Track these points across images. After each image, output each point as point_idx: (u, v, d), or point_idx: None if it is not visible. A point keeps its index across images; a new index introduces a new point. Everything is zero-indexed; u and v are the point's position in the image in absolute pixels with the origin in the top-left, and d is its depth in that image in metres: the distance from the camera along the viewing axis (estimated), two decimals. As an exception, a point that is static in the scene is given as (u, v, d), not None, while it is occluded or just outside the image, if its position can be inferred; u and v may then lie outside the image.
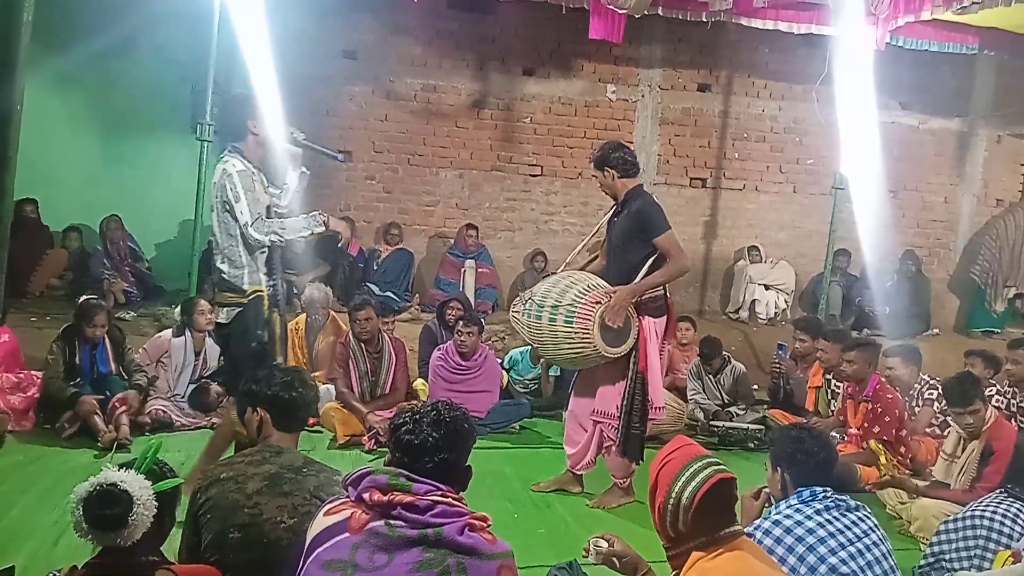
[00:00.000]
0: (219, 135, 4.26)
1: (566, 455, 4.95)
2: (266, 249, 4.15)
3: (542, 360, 6.93)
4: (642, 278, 4.48)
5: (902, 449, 5.37)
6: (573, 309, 4.36)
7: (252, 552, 2.53)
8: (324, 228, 4.27)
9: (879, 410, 5.33)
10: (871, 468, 5.26)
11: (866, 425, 5.37)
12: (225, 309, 4.14)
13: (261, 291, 4.13)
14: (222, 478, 2.62)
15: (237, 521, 2.54)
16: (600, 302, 4.38)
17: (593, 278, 4.59)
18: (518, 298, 4.75)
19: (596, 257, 4.98)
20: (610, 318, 4.36)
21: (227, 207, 4.07)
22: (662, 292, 4.64)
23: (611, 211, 4.85)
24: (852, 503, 2.91)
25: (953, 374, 5.13)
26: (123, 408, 5.44)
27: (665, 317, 4.65)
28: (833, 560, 2.70)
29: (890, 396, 5.39)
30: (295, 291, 7.71)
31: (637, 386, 4.50)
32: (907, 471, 5.32)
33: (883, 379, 5.59)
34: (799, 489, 2.91)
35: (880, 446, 5.22)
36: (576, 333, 4.36)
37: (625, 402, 4.51)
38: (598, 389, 4.66)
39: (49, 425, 5.54)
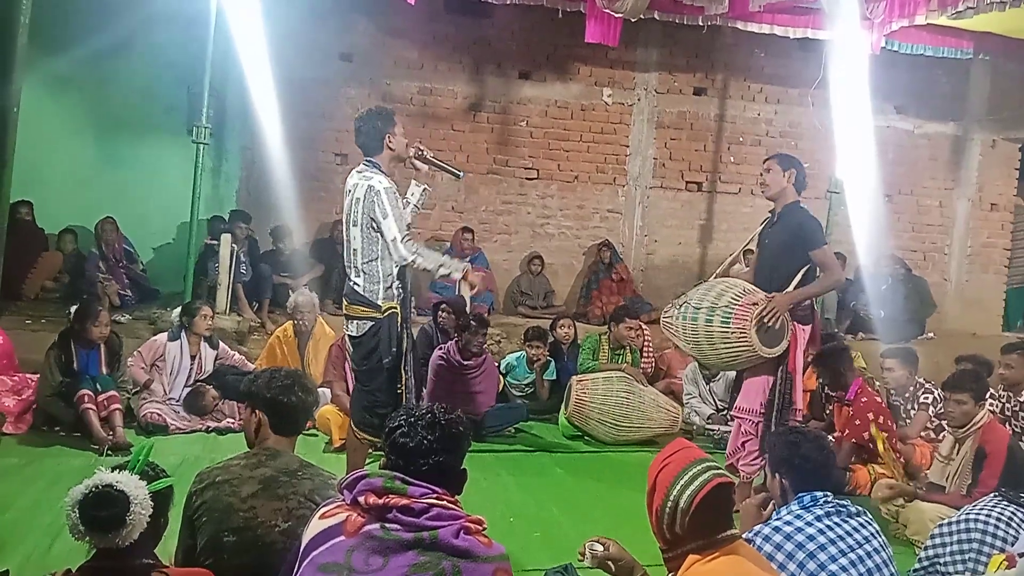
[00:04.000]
0: (360, 149, 4.30)
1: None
2: (398, 265, 4.19)
3: (536, 365, 6.95)
4: (795, 287, 4.58)
5: (889, 451, 5.38)
6: (730, 311, 4.46)
7: (247, 555, 2.52)
8: (459, 275, 4.25)
9: (852, 414, 5.37)
10: (863, 473, 5.28)
11: (847, 430, 5.41)
12: (355, 322, 4.17)
13: (396, 308, 4.18)
14: (217, 481, 2.62)
15: (232, 525, 2.53)
16: (757, 304, 4.46)
17: (747, 284, 4.70)
18: (669, 304, 4.84)
19: (736, 266, 5.15)
20: (769, 319, 4.45)
21: (374, 223, 4.10)
22: (810, 301, 4.78)
23: (764, 223, 4.96)
24: (853, 509, 2.90)
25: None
26: (115, 407, 5.43)
27: (811, 326, 4.75)
28: (833, 567, 2.69)
29: (864, 400, 5.41)
30: (290, 293, 7.71)
31: (786, 385, 4.60)
32: (897, 475, 5.33)
33: (865, 383, 5.60)
34: (800, 495, 2.90)
35: (880, 434, 5.26)
36: (733, 334, 4.45)
37: (776, 400, 4.61)
38: (742, 386, 4.79)
39: (46, 428, 5.52)
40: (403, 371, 4.24)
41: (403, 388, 4.26)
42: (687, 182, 10.04)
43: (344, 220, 4.23)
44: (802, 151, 9.98)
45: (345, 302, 4.25)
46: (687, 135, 9.97)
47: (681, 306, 4.68)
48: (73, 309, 6.01)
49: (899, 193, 10.39)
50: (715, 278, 4.90)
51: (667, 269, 9.93)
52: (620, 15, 7.62)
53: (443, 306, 7.19)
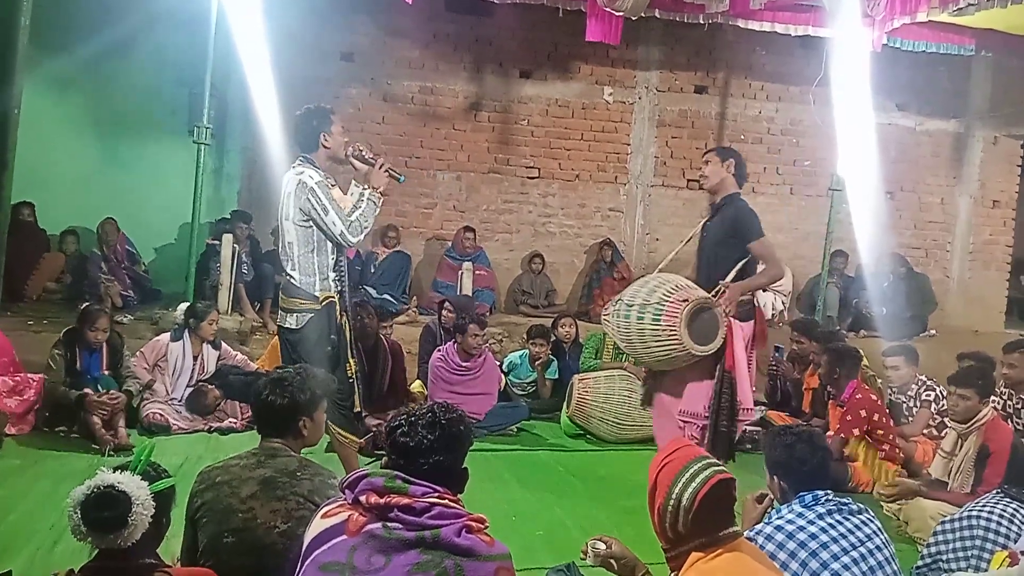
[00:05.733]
0: (297, 147, 4.33)
1: None
2: (334, 255, 4.22)
3: (539, 363, 6.95)
4: (732, 280, 4.54)
5: (884, 447, 5.39)
6: (661, 307, 4.39)
7: (247, 556, 2.53)
8: (379, 196, 4.29)
9: (847, 415, 5.37)
10: (864, 470, 5.29)
11: (839, 427, 5.41)
12: (294, 315, 4.18)
13: (333, 297, 4.21)
14: (217, 482, 2.62)
15: (231, 526, 2.54)
16: (688, 300, 4.39)
17: (681, 279, 4.64)
18: (610, 302, 4.79)
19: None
20: (728, 309, 4.41)
21: (307, 217, 4.13)
22: (750, 297, 4.70)
23: (706, 217, 4.92)
24: (855, 506, 2.90)
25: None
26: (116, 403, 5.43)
27: (753, 321, 4.69)
28: (836, 566, 2.69)
29: (859, 397, 5.41)
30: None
31: (725, 386, 4.52)
32: (900, 471, 5.34)
33: (862, 384, 5.60)
34: (801, 494, 2.90)
35: (860, 444, 5.28)
36: (664, 331, 4.37)
37: (713, 402, 4.53)
38: (684, 389, 4.69)
39: (48, 428, 5.53)
40: (350, 359, 4.27)
41: (353, 376, 4.29)
42: (688, 180, 10.03)
43: (279, 213, 4.26)
44: (804, 149, 10.04)
45: (282, 296, 4.27)
46: (688, 133, 9.96)
47: (616, 304, 4.62)
48: (83, 308, 6.04)
49: (901, 190, 10.38)
50: (657, 272, 4.86)
51: (669, 268, 9.90)
52: (621, 13, 7.62)
53: (446, 304, 7.19)
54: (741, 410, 4.55)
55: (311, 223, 4.14)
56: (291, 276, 4.19)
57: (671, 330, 4.34)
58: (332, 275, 4.22)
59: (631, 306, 4.48)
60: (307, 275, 4.16)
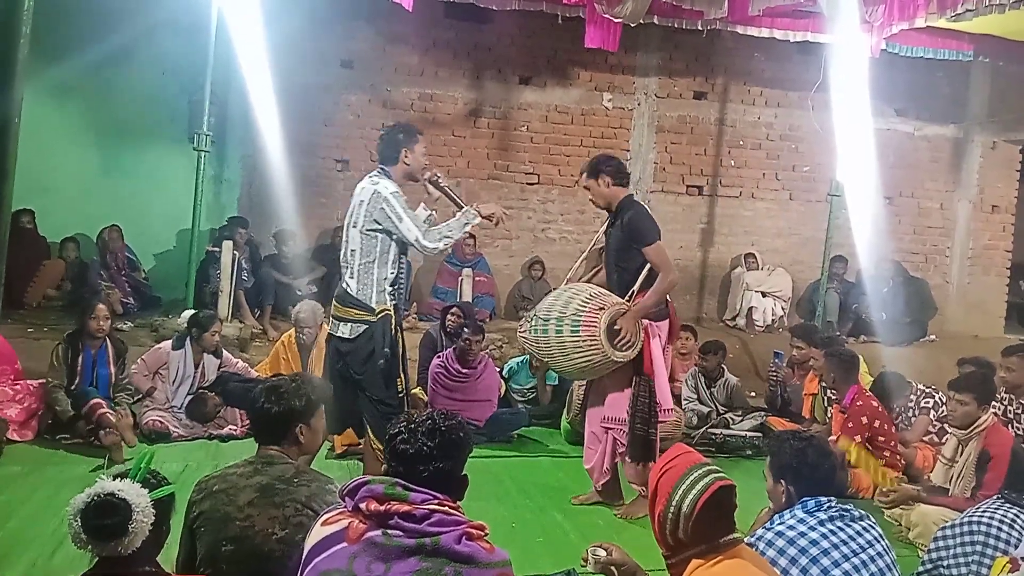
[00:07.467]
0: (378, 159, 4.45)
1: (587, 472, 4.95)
2: (394, 270, 4.24)
3: (538, 369, 6.93)
4: (639, 288, 4.57)
5: (886, 453, 5.38)
6: (578, 319, 4.42)
7: (246, 564, 2.52)
8: (479, 218, 4.42)
9: (848, 421, 5.37)
10: (865, 476, 5.28)
11: (840, 432, 5.42)
12: (348, 324, 4.19)
13: (389, 310, 4.20)
14: (215, 490, 2.62)
15: (229, 534, 2.53)
16: (604, 308, 4.43)
17: (594, 288, 4.68)
18: (524, 319, 4.81)
19: (598, 269, 5.09)
20: (624, 342, 4.43)
21: (377, 227, 4.16)
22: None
23: (606, 222, 4.93)
24: (857, 512, 2.89)
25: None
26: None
27: (667, 320, 4.72)
28: (836, 572, 2.69)
29: (860, 403, 5.41)
30: (297, 293, 7.77)
31: (642, 388, 4.56)
32: (901, 477, 5.34)
33: (862, 389, 5.60)
34: (803, 499, 2.90)
35: (852, 445, 5.28)
36: (584, 341, 4.42)
37: (630, 405, 4.55)
38: (607, 397, 4.73)
39: (49, 435, 5.52)
40: (401, 374, 4.26)
41: (404, 391, 4.28)
42: (688, 186, 10.05)
43: (345, 221, 4.28)
44: (802, 154, 10.06)
45: (336, 304, 4.27)
46: (687, 139, 9.98)
47: (531, 319, 4.64)
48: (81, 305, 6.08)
49: (900, 195, 10.39)
50: (567, 284, 4.86)
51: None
52: (619, 20, 7.64)
53: (453, 310, 7.17)
54: (661, 411, 4.59)
55: (378, 234, 4.16)
56: (347, 285, 4.20)
57: (591, 340, 4.39)
58: (389, 288, 4.22)
59: (547, 320, 4.51)
60: (364, 286, 4.17)
